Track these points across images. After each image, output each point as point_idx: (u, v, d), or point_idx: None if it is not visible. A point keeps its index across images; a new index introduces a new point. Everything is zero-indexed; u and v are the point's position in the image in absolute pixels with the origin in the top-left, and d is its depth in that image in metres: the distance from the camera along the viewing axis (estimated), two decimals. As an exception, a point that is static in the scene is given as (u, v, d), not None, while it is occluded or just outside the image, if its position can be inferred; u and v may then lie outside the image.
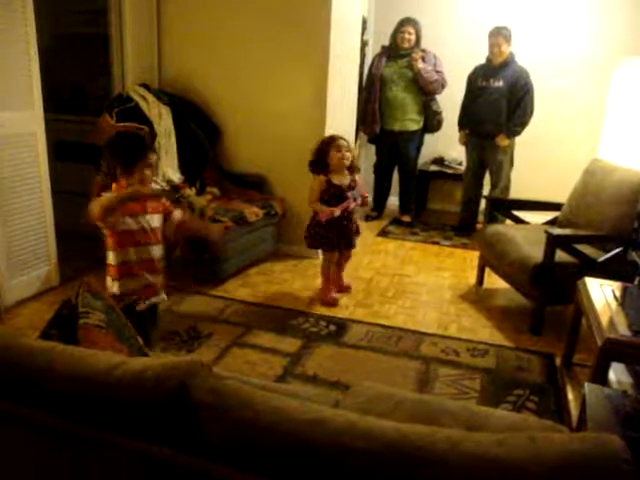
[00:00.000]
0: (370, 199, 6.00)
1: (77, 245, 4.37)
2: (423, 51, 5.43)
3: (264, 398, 1.11)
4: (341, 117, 4.80)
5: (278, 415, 1.06)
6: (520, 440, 0.97)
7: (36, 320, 3.41)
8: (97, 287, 2.07)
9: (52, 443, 1.20)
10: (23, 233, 3.67)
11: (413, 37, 5.41)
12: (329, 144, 3.66)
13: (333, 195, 3.70)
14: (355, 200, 3.72)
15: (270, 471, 1.01)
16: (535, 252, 3.54)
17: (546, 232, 3.45)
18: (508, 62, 5.13)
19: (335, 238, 3.81)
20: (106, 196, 2.51)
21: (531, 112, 5.14)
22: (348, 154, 3.67)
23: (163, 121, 4.41)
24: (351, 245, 3.93)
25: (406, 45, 5.43)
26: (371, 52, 6.11)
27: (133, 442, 1.10)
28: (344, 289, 4.11)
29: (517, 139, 5.28)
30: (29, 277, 3.76)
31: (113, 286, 2.65)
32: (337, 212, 3.67)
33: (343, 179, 3.71)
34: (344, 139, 3.72)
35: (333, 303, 3.89)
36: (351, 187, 3.72)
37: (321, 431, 1.02)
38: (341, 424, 1.03)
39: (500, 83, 5.13)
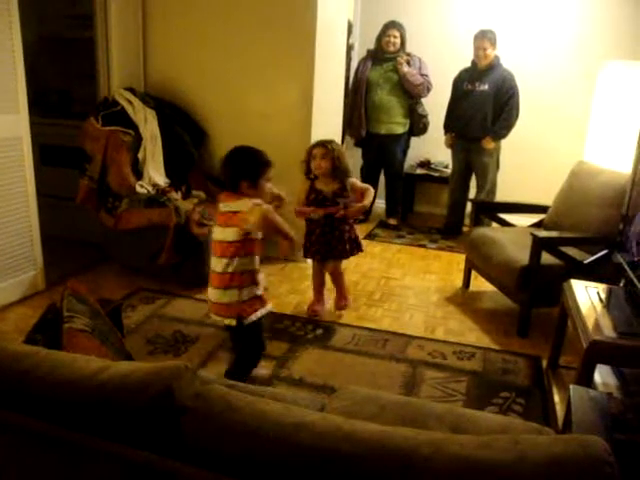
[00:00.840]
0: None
1: (62, 249, 4.36)
2: (408, 54, 5.46)
3: (249, 402, 1.10)
4: (327, 120, 4.80)
5: (263, 419, 1.05)
6: (504, 442, 0.97)
7: (21, 324, 3.38)
8: (82, 291, 2.06)
9: (37, 448, 1.19)
10: (8, 237, 3.64)
11: (398, 41, 5.44)
12: (309, 152, 3.55)
13: (315, 200, 3.57)
14: (345, 209, 3.55)
15: (254, 475, 1.00)
16: (521, 255, 3.55)
17: (532, 234, 3.46)
18: (493, 65, 5.16)
19: (315, 245, 3.65)
20: (267, 207, 2.67)
21: (516, 115, 5.17)
22: (322, 163, 3.48)
23: (149, 125, 4.39)
24: (331, 255, 3.67)
25: (391, 49, 5.45)
26: (357, 56, 6.13)
27: (118, 446, 1.09)
28: (339, 305, 3.86)
29: (503, 142, 5.31)
30: (15, 281, 3.73)
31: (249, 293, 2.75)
32: (314, 214, 3.54)
33: (328, 185, 3.56)
34: (326, 145, 3.50)
35: (311, 314, 3.75)
36: (340, 195, 3.56)
37: (305, 434, 1.01)
38: (326, 427, 1.02)
39: (485, 86, 5.16)
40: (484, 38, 5.09)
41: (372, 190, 3.69)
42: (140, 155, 4.33)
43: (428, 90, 5.50)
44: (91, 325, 1.93)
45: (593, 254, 3.52)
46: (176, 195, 4.24)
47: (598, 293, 2.77)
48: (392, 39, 5.43)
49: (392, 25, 5.44)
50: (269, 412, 1.07)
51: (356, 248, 3.74)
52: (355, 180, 3.71)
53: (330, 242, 3.63)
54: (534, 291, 3.49)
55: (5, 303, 3.66)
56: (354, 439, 0.99)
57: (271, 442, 1.01)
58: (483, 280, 4.09)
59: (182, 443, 1.08)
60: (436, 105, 5.61)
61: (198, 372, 1.30)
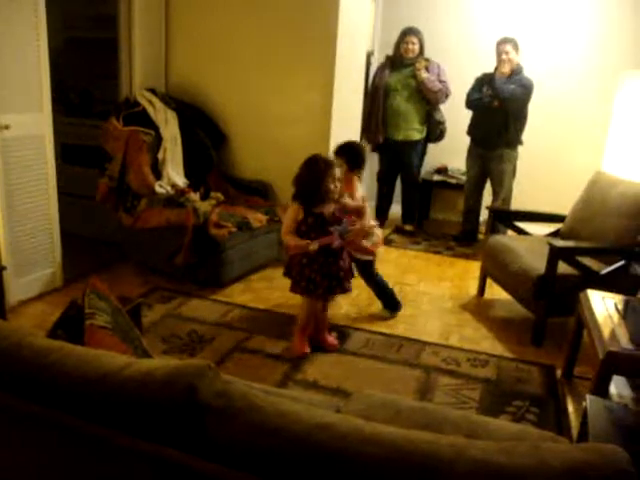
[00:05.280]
0: (372, 208, 6.05)
1: (81, 247, 4.40)
2: (427, 60, 5.46)
3: (270, 402, 1.12)
4: (346, 125, 4.82)
5: (285, 419, 1.07)
6: (524, 449, 0.98)
7: (39, 320, 3.43)
8: (104, 288, 2.08)
9: (63, 441, 1.21)
10: (29, 234, 3.69)
11: (417, 47, 5.44)
12: (326, 171, 3.04)
13: (313, 226, 3.10)
14: (341, 237, 3.11)
15: (277, 474, 1.02)
16: (537, 264, 3.54)
17: (549, 244, 3.45)
18: (516, 72, 5.11)
19: (321, 280, 3.16)
20: None
21: (524, 118, 5.16)
22: (339, 183, 3.13)
23: (169, 126, 4.43)
24: (344, 289, 3.26)
25: (410, 55, 5.45)
26: (376, 62, 6.14)
27: (143, 442, 1.10)
28: (328, 345, 3.41)
29: (520, 150, 5.29)
30: (33, 277, 3.77)
31: None
32: (313, 246, 3.02)
33: (326, 207, 3.12)
34: (335, 163, 3.18)
35: (302, 357, 3.27)
36: (336, 218, 3.14)
37: (328, 435, 1.02)
38: (348, 429, 1.04)
39: (505, 94, 5.10)
40: (508, 43, 5.06)
41: (367, 207, 3.45)
42: (160, 155, 4.37)
43: (446, 96, 5.49)
44: (112, 322, 1.96)
45: (610, 265, 3.51)
46: (195, 196, 4.27)
47: (615, 304, 2.76)
48: (411, 45, 5.44)
49: (410, 31, 5.45)
50: (291, 412, 1.08)
51: (352, 276, 3.37)
52: (347, 199, 3.33)
53: (338, 273, 3.21)
54: (550, 300, 3.48)
55: (23, 299, 3.70)
56: (376, 441, 1.00)
57: (295, 442, 1.02)
58: (498, 288, 4.08)
59: (205, 441, 1.10)
60: (453, 111, 5.61)
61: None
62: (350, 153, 3.50)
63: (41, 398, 1.24)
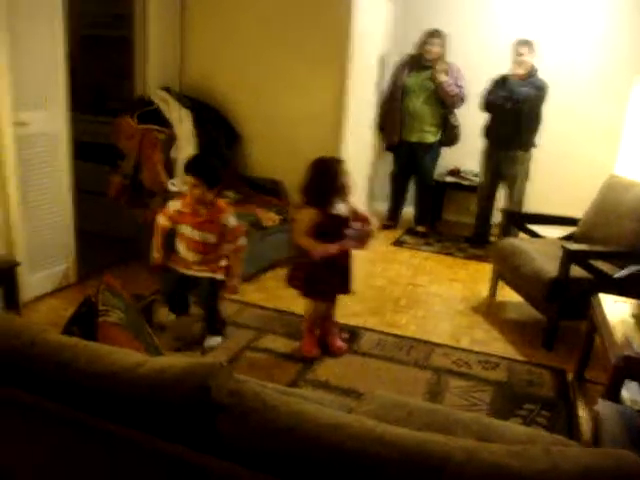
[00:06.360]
0: (385, 209, 6.05)
1: (94, 244, 4.42)
2: (447, 64, 5.43)
3: (283, 401, 1.13)
4: (359, 124, 4.82)
5: (298, 418, 1.07)
6: (536, 452, 0.98)
7: (53, 316, 3.45)
8: (117, 286, 2.10)
9: (76, 437, 1.22)
10: (44, 229, 3.72)
11: (439, 49, 5.40)
12: (338, 167, 3.06)
13: (330, 227, 3.08)
14: (354, 239, 3.13)
15: (289, 474, 1.02)
16: (550, 266, 3.53)
17: (563, 247, 3.44)
18: (531, 74, 5.09)
19: (337, 284, 3.22)
20: None
21: (538, 120, 5.14)
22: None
23: (183, 124, 4.45)
24: (348, 290, 3.29)
25: (431, 57, 5.42)
26: (391, 61, 6.12)
27: (155, 439, 1.11)
28: (337, 349, 3.36)
29: (534, 152, 5.26)
30: (48, 273, 3.80)
31: None
32: (334, 249, 3.06)
33: (340, 207, 3.10)
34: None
35: (314, 358, 3.27)
36: (347, 221, 3.13)
37: (341, 435, 1.03)
38: (360, 429, 1.04)
39: (520, 96, 5.08)
40: (523, 44, 5.04)
41: (375, 219, 3.35)
42: (173, 154, 4.38)
43: (462, 101, 5.46)
44: (125, 319, 1.97)
45: (623, 268, 3.49)
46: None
47: (628, 308, 2.75)
48: (433, 47, 5.41)
49: (435, 34, 5.41)
50: (304, 412, 1.09)
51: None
52: (356, 204, 3.26)
53: (344, 275, 3.23)
54: (562, 303, 3.47)
55: (38, 294, 3.73)
56: (389, 442, 1.01)
57: (307, 441, 1.03)
58: (509, 290, 4.07)
59: (217, 439, 1.10)
60: (467, 113, 5.59)
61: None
62: (206, 170, 3.16)
63: (55, 395, 1.25)
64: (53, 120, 3.66)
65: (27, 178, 3.52)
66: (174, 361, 1.28)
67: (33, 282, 3.67)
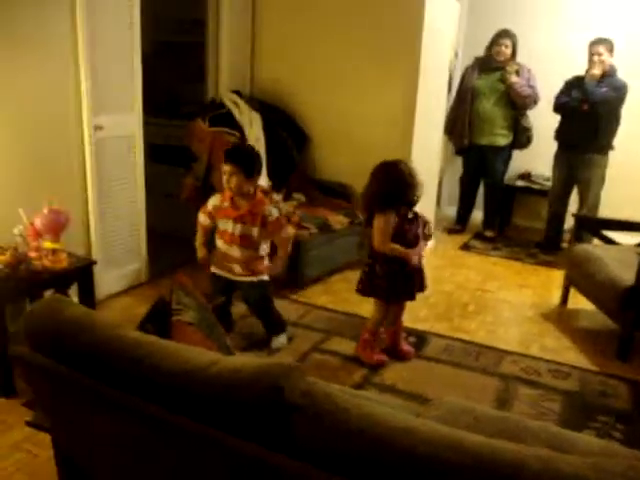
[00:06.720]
0: (453, 213, 6.00)
1: (164, 244, 4.53)
2: (518, 65, 5.33)
3: (355, 404, 1.14)
4: (428, 127, 4.78)
5: (369, 420, 1.08)
6: (618, 467, 0.95)
7: (126, 313, 3.56)
8: (190, 285, 2.15)
9: (152, 431, 1.26)
10: (118, 229, 3.85)
11: (509, 50, 5.32)
12: (409, 171, 3.01)
13: (408, 231, 3.06)
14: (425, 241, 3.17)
15: (360, 476, 1.03)
16: (626, 274, 3.42)
17: (639, 254, 3.33)
18: (609, 74, 4.93)
19: (417, 285, 3.19)
20: None
21: (617, 122, 4.97)
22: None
23: (254, 127, 4.52)
24: (423, 289, 3.26)
25: (501, 58, 5.33)
26: (460, 63, 6.06)
27: (230, 438, 1.14)
28: (405, 353, 3.35)
29: (611, 155, 5.10)
30: (121, 272, 3.93)
31: None
32: (421, 252, 3.14)
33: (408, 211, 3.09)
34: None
35: (381, 365, 3.24)
36: (426, 223, 3.16)
37: (412, 439, 1.03)
38: (431, 434, 1.04)
39: (597, 97, 4.93)
40: (601, 44, 4.89)
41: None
42: (243, 157, 4.45)
43: (535, 102, 5.35)
44: (197, 318, 2.02)
45: None
46: (277, 197, 4.34)
47: None
48: (503, 48, 5.31)
49: (505, 34, 5.33)
50: (375, 414, 1.10)
51: None
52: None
53: (421, 276, 3.20)
54: (638, 313, 3.36)
55: (112, 292, 3.86)
56: (460, 448, 1.00)
57: (379, 444, 1.04)
58: (582, 298, 3.96)
59: (291, 439, 1.12)
60: (539, 116, 5.47)
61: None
62: (244, 158, 3.16)
63: (129, 388, 1.29)
64: (128, 123, 3.79)
65: (103, 180, 3.65)
66: (247, 361, 1.30)
67: (107, 280, 3.79)
